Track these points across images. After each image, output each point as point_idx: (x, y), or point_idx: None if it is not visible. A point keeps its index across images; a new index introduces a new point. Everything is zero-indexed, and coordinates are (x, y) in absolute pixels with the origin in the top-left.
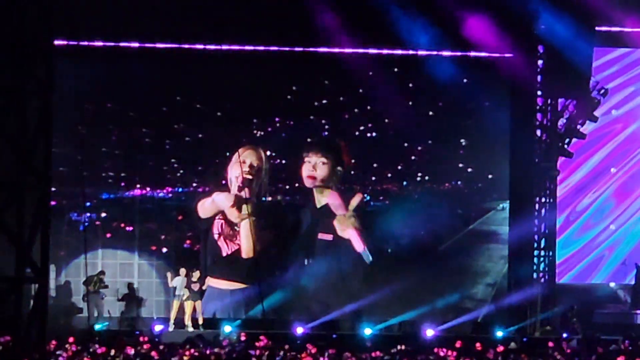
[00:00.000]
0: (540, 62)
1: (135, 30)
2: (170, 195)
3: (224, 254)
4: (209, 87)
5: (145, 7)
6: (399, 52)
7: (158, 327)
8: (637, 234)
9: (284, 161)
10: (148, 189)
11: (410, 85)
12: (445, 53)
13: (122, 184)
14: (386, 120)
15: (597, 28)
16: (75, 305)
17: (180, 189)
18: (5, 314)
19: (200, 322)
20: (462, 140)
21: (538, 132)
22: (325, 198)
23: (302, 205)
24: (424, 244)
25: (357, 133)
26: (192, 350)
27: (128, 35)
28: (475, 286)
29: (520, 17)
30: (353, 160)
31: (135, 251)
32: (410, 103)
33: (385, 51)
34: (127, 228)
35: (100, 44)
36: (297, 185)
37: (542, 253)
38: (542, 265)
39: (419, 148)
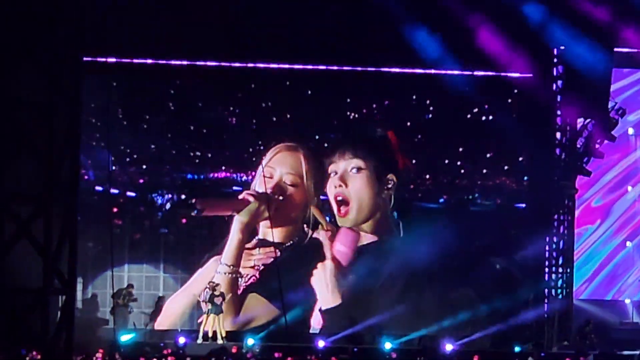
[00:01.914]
0: (559, 82)
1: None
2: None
3: None
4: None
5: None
6: (419, 71)
7: (182, 340)
8: None
9: None
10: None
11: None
12: (466, 72)
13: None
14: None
15: (615, 49)
16: (101, 318)
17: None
18: (33, 326)
19: (224, 334)
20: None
21: (557, 151)
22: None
23: None
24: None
25: None
26: None
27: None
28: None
29: (540, 39)
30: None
31: (160, 264)
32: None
33: (406, 70)
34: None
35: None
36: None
37: (560, 269)
38: (559, 282)
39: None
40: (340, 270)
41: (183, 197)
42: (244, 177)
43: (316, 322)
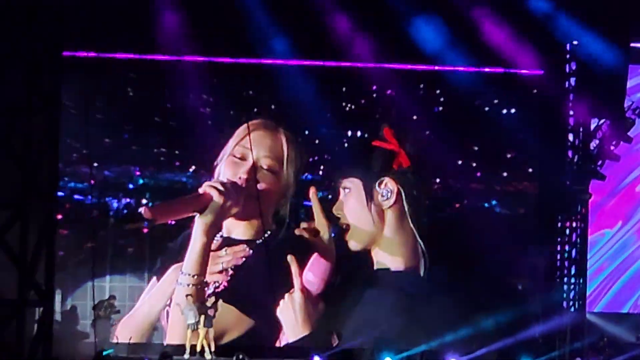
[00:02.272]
0: (572, 79)
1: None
2: None
3: None
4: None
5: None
6: (425, 67)
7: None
8: None
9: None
10: None
11: (437, 103)
12: (473, 69)
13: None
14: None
15: (632, 44)
16: (81, 331)
17: None
18: (7, 340)
19: (213, 349)
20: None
21: (569, 154)
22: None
23: None
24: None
25: None
26: None
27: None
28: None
29: (552, 33)
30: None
31: (145, 274)
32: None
33: (413, 66)
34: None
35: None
36: None
37: (573, 280)
38: (572, 294)
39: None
40: (310, 301)
41: (144, 201)
42: None
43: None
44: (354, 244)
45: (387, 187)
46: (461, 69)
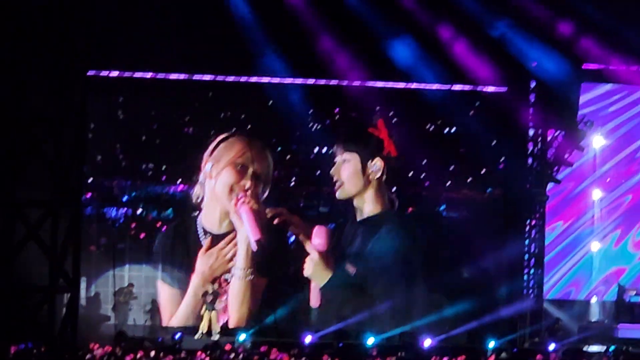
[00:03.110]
0: (532, 96)
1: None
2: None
3: None
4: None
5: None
6: (396, 84)
7: (178, 335)
8: (618, 253)
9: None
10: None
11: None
12: (445, 87)
13: None
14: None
15: (584, 66)
16: (103, 314)
17: None
18: (40, 321)
19: (218, 330)
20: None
21: (529, 161)
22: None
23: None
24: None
25: None
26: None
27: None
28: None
29: (515, 55)
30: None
31: (159, 264)
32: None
33: (384, 84)
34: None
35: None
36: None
37: (532, 271)
38: (531, 282)
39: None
40: (322, 255)
41: (139, 211)
42: None
43: (315, 300)
44: (340, 194)
45: (377, 165)
46: (435, 87)
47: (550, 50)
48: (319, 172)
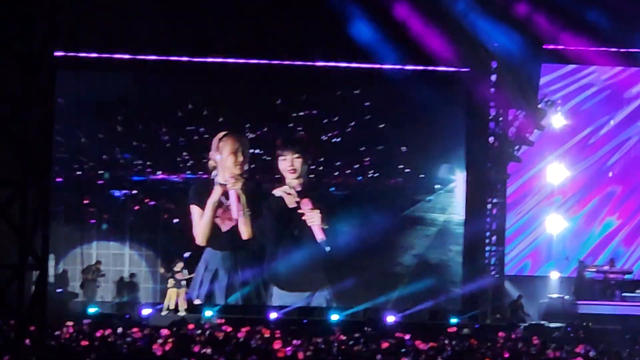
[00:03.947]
0: (493, 76)
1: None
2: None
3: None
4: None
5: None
6: (362, 65)
7: (146, 311)
8: (578, 230)
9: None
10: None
11: (369, 100)
12: (408, 67)
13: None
14: (348, 130)
15: (544, 46)
16: (71, 291)
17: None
18: (9, 298)
19: (185, 307)
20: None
21: (491, 140)
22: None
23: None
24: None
25: (325, 138)
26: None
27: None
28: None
29: (476, 36)
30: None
31: (127, 242)
32: (369, 114)
33: (348, 64)
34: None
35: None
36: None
37: (493, 248)
38: (492, 260)
39: (379, 148)
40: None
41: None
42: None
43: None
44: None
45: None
46: (398, 66)
47: (511, 31)
48: None
